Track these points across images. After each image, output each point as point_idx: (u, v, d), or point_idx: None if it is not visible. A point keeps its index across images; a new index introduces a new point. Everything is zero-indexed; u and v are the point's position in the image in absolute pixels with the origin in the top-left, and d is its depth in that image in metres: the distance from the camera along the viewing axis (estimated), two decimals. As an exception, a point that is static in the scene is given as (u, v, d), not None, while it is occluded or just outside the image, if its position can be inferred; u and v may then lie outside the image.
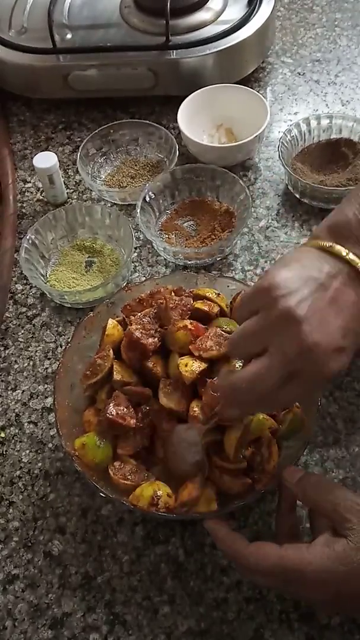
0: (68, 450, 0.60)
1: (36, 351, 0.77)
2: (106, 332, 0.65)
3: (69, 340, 0.68)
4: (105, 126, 0.93)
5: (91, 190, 0.92)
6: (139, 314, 0.65)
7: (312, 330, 0.47)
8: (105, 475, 0.60)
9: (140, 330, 0.63)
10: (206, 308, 0.66)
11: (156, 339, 0.63)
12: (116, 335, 0.65)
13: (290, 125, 0.90)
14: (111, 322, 0.66)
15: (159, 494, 0.57)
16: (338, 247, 0.51)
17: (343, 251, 0.51)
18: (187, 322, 0.63)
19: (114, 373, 0.62)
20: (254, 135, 0.87)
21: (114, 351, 0.64)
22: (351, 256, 0.51)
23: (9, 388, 0.74)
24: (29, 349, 0.77)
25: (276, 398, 0.51)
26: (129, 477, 0.59)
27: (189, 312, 0.65)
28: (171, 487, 0.59)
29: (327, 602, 0.50)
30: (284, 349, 0.48)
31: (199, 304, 0.66)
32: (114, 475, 0.59)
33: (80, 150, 0.90)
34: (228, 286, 0.71)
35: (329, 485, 0.53)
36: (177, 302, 0.65)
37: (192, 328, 0.63)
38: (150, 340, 0.62)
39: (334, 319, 0.49)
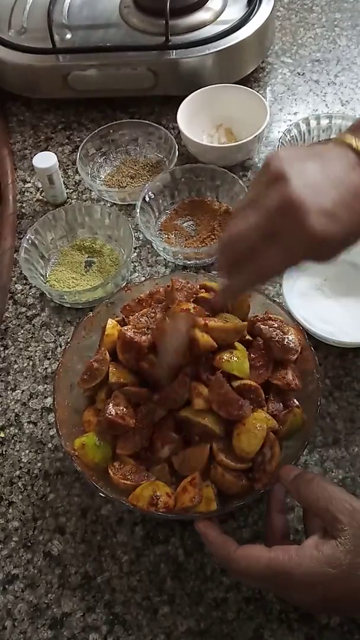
0: (68, 450, 0.60)
1: (36, 351, 0.77)
2: (106, 332, 0.65)
3: (69, 340, 0.68)
4: (105, 126, 0.93)
5: (91, 190, 0.92)
6: (137, 314, 0.65)
7: (299, 186, 0.44)
8: (104, 475, 0.59)
9: (133, 329, 0.63)
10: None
11: (149, 335, 0.63)
12: (116, 335, 0.65)
13: (290, 125, 0.90)
14: (110, 322, 0.66)
15: (158, 494, 0.57)
16: (348, 136, 0.49)
17: (352, 140, 0.48)
18: (191, 305, 0.63)
19: (110, 375, 0.62)
20: (254, 135, 0.87)
21: (112, 353, 0.64)
22: (352, 141, 0.48)
23: (9, 388, 0.74)
24: (29, 349, 0.77)
25: (260, 260, 0.47)
26: (128, 477, 0.59)
27: (194, 296, 0.65)
28: (173, 485, 0.59)
29: (316, 604, 0.50)
30: (266, 202, 0.45)
31: (204, 294, 0.66)
32: (114, 475, 0.59)
33: (79, 150, 0.90)
34: None
35: (323, 484, 0.52)
36: (183, 284, 0.65)
37: (195, 311, 0.62)
38: (144, 337, 0.62)
39: (329, 187, 0.45)
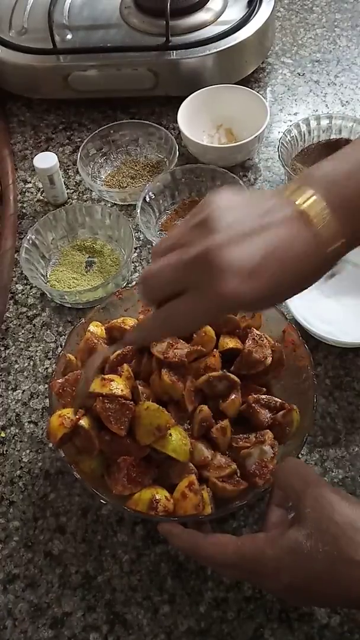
0: (67, 459, 0.59)
1: (36, 351, 0.77)
2: (88, 329, 0.67)
3: (63, 346, 0.68)
4: (106, 126, 0.93)
5: (91, 190, 0.92)
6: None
7: (222, 241, 0.42)
8: (104, 482, 0.59)
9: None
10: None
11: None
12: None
13: (290, 125, 0.90)
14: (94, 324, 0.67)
15: (157, 497, 0.57)
16: (291, 188, 0.46)
17: (293, 193, 0.45)
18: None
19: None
20: (254, 135, 0.87)
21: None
22: (298, 198, 0.45)
23: (10, 388, 0.74)
24: (30, 349, 0.77)
25: (166, 309, 0.46)
26: (127, 484, 0.59)
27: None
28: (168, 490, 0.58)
29: (284, 591, 0.50)
30: (187, 248, 0.44)
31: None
32: (111, 483, 0.58)
33: (80, 150, 0.91)
34: None
35: (296, 465, 0.53)
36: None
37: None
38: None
39: (255, 243, 0.43)
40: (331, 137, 0.90)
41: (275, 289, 0.44)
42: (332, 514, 0.48)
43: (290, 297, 0.47)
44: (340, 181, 0.45)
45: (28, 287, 0.83)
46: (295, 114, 0.99)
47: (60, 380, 0.62)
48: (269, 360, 0.64)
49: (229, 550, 0.50)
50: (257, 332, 0.65)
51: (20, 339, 0.78)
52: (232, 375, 0.62)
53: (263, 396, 0.63)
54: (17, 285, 0.83)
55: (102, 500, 0.58)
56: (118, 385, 0.58)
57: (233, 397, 0.61)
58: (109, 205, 0.89)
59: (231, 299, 0.43)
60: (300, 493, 0.50)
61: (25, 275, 0.80)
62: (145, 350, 0.63)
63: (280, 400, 0.63)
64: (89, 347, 0.64)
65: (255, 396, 0.62)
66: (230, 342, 0.65)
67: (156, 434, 0.57)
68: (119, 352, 0.63)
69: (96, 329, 0.67)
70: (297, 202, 0.45)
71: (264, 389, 0.64)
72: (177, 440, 0.58)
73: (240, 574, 0.53)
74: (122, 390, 0.58)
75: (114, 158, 0.95)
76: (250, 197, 0.47)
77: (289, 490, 0.51)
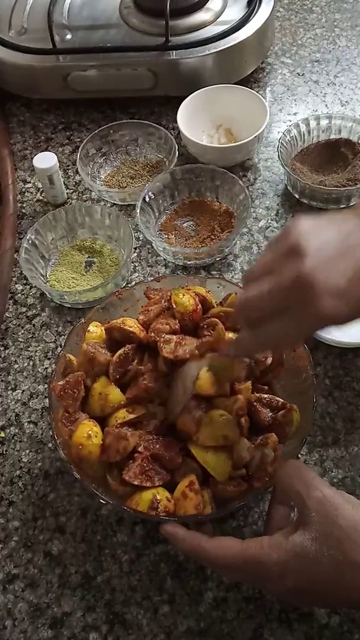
0: (66, 459, 0.59)
1: (36, 351, 0.77)
2: (88, 329, 0.67)
3: (62, 346, 0.68)
4: (105, 126, 0.93)
5: (91, 190, 0.92)
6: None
7: (314, 264, 0.46)
8: (104, 482, 0.59)
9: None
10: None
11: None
12: (98, 333, 0.67)
13: (290, 125, 0.90)
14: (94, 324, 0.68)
15: (158, 498, 0.57)
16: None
17: None
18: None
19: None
20: (254, 135, 0.87)
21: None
22: None
23: (9, 388, 0.74)
24: (29, 349, 0.77)
25: (266, 329, 0.49)
26: (139, 475, 0.59)
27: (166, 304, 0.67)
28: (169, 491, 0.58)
29: (287, 593, 0.50)
30: (282, 276, 0.47)
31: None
32: (113, 482, 0.59)
33: (80, 150, 0.91)
34: (218, 287, 0.71)
35: (300, 469, 0.53)
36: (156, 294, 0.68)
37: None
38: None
39: (343, 265, 0.46)
40: (331, 137, 0.90)
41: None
42: (336, 517, 0.48)
43: None
44: None
45: (28, 287, 0.83)
46: (295, 114, 0.99)
47: (61, 383, 0.62)
48: (269, 360, 0.64)
49: (232, 554, 0.50)
50: None
51: (19, 339, 0.78)
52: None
53: (265, 395, 0.63)
54: (16, 285, 0.83)
55: (101, 500, 0.58)
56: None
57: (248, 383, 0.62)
58: (109, 205, 0.89)
59: (329, 317, 0.46)
60: (304, 496, 0.50)
61: (25, 275, 0.80)
62: (147, 349, 0.63)
63: (281, 400, 0.63)
64: (88, 358, 0.64)
65: (257, 395, 0.62)
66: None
67: (221, 441, 0.58)
68: (121, 351, 0.63)
69: (96, 329, 0.67)
70: None
71: (266, 387, 0.64)
72: (223, 461, 0.58)
73: (242, 577, 0.53)
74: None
75: (113, 158, 0.95)
76: (329, 220, 0.49)
77: (292, 493, 0.52)
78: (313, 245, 0.46)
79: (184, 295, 0.65)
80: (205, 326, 0.65)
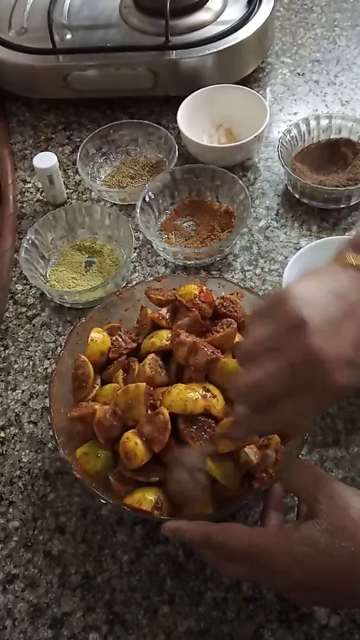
0: (66, 458, 0.59)
1: (36, 351, 0.77)
2: (90, 337, 0.67)
3: (63, 346, 0.68)
4: (105, 126, 0.93)
5: (91, 190, 0.92)
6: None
7: (321, 339, 0.44)
8: (105, 482, 0.59)
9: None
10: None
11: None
12: (100, 339, 0.67)
13: (290, 125, 0.90)
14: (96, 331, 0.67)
15: (161, 499, 0.57)
16: (348, 255, 0.50)
17: (352, 259, 0.49)
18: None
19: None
20: (254, 135, 0.87)
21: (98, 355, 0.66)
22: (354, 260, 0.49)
23: (9, 388, 0.74)
24: (29, 349, 0.77)
25: (280, 409, 0.47)
26: (129, 483, 0.59)
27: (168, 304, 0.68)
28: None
29: (294, 588, 0.49)
30: (290, 356, 0.45)
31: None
32: (114, 482, 0.59)
33: (80, 150, 0.90)
34: (218, 286, 0.71)
35: (306, 465, 0.52)
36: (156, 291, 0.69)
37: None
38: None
39: (348, 331, 0.45)
40: (331, 137, 0.90)
41: None
42: (347, 510, 0.48)
43: None
44: None
45: (28, 287, 0.83)
46: (295, 113, 0.99)
47: (76, 414, 0.62)
48: None
49: (240, 538, 0.49)
50: None
51: (19, 339, 0.78)
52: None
53: None
54: (16, 285, 0.83)
55: (102, 500, 0.58)
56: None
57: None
58: (109, 205, 0.89)
59: (343, 390, 0.45)
60: (313, 490, 0.49)
61: (25, 275, 0.80)
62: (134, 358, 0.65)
63: None
64: (80, 386, 0.65)
65: None
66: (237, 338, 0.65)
67: (238, 443, 0.57)
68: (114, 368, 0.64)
69: (97, 335, 0.67)
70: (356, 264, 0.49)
71: None
72: (229, 469, 0.58)
73: (248, 569, 0.51)
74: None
75: (113, 158, 0.95)
76: (320, 280, 0.48)
77: (300, 490, 0.51)
78: (315, 316, 0.45)
79: (184, 287, 0.66)
80: (219, 323, 0.65)
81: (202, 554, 0.55)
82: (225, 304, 0.66)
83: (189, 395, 0.58)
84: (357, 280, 0.48)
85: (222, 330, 0.64)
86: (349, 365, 0.45)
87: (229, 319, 0.64)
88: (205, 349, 0.60)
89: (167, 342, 0.63)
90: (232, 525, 0.51)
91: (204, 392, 0.59)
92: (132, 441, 0.57)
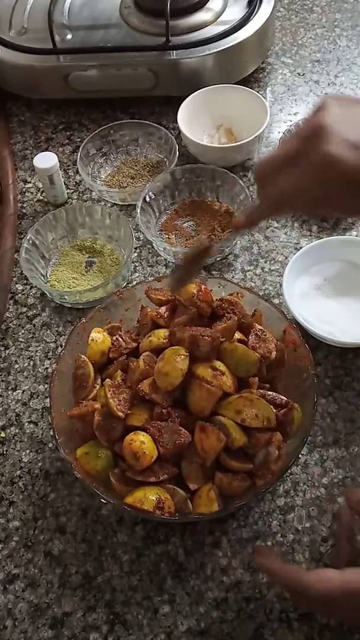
0: (66, 458, 0.60)
1: (36, 351, 0.77)
2: (90, 337, 0.67)
3: (63, 346, 0.68)
4: (106, 126, 0.93)
5: (91, 190, 0.92)
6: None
7: (333, 118, 0.47)
8: (105, 482, 0.59)
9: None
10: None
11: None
12: (101, 339, 0.67)
13: (290, 125, 0.90)
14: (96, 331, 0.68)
15: (163, 497, 0.57)
16: None
17: None
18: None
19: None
20: (254, 135, 0.87)
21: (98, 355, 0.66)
22: None
23: (9, 388, 0.74)
24: (29, 349, 0.77)
25: (275, 182, 0.50)
26: (130, 483, 0.59)
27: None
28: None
29: None
30: (301, 130, 0.49)
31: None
32: (115, 482, 0.59)
33: (80, 150, 0.91)
34: (218, 286, 0.71)
35: None
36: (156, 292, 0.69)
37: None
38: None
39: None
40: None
41: None
42: None
43: None
44: None
45: (28, 287, 0.83)
46: (295, 113, 0.99)
47: (75, 412, 0.62)
48: (274, 354, 0.64)
49: (334, 586, 0.48)
50: (260, 327, 0.65)
51: (20, 339, 0.78)
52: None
53: (270, 392, 0.63)
54: (17, 285, 0.83)
55: (102, 500, 0.58)
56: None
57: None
58: (109, 205, 0.89)
59: (337, 163, 0.46)
60: None
61: (25, 275, 0.80)
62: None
63: (285, 398, 0.63)
64: (80, 386, 0.65)
65: (261, 391, 0.62)
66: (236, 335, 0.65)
67: (265, 424, 0.58)
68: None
69: (98, 335, 0.67)
70: None
71: (267, 384, 0.64)
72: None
73: (341, 611, 0.50)
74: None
75: (114, 158, 0.95)
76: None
77: None
78: (337, 107, 0.48)
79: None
80: (218, 322, 0.65)
81: (289, 592, 0.54)
82: (224, 305, 0.66)
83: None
84: None
85: (223, 324, 0.64)
86: (349, 145, 0.46)
87: (230, 314, 0.65)
88: (206, 337, 0.61)
89: (164, 341, 0.63)
90: (325, 572, 0.50)
91: (212, 372, 0.60)
92: (138, 441, 0.57)
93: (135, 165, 0.93)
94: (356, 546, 0.57)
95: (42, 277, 0.81)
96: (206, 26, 0.97)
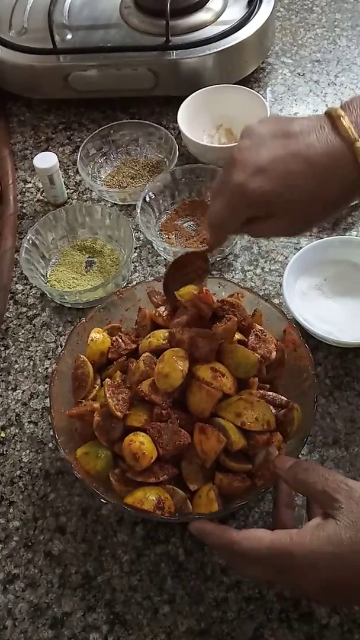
0: (66, 458, 0.60)
1: (36, 351, 0.77)
2: (90, 337, 0.67)
3: (63, 346, 0.68)
4: (106, 126, 0.93)
5: (91, 190, 0.92)
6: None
7: (245, 145, 0.52)
8: (106, 482, 0.59)
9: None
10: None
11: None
12: (100, 339, 0.67)
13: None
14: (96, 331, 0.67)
15: (163, 497, 0.57)
16: (331, 108, 0.51)
17: (341, 112, 0.50)
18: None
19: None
20: (254, 135, 0.87)
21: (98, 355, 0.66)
22: (337, 110, 0.50)
23: (9, 388, 0.74)
24: (29, 349, 0.77)
25: (210, 209, 0.55)
26: (130, 483, 0.59)
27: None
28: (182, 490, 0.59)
29: (319, 591, 0.49)
30: (222, 173, 0.54)
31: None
32: (115, 483, 0.59)
33: (80, 150, 0.91)
34: (218, 286, 0.71)
35: (318, 468, 0.52)
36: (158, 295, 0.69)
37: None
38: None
39: (271, 147, 0.51)
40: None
41: (283, 186, 0.51)
42: None
43: (315, 208, 0.53)
44: None
45: (28, 287, 0.83)
46: (295, 114, 0.99)
47: (74, 412, 0.62)
48: (274, 354, 0.64)
49: (263, 544, 0.49)
50: (260, 328, 0.65)
51: (20, 339, 0.78)
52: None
53: (270, 393, 0.63)
54: (17, 285, 0.83)
55: (102, 500, 0.58)
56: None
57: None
58: (109, 205, 0.89)
59: (242, 190, 0.51)
60: (329, 491, 0.49)
61: (25, 275, 0.80)
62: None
63: (285, 398, 0.63)
64: (79, 386, 0.65)
65: (262, 392, 0.62)
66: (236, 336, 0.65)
67: (265, 427, 0.58)
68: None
69: (97, 335, 0.67)
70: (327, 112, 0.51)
71: (267, 385, 0.65)
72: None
73: (272, 572, 0.50)
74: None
75: (114, 158, 0.95)
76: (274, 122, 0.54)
77: (313, 492, 0.51)
78: (254, 131, 0.52)
79: (184, 287, 0.66)
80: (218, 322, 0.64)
81: (224, 557, 0.54)
82: (225, 307, 0.66)
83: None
84: (313, 119, 0.52)
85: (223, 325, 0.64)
86: (257, 171, 0.51)
87: (229, 315, 0.64)
88: (206, 338, 0.60)
89: (163, 342, 0.63)
90: (254, 531, 0.51)
91: (212, 373, 0.59)
92: (137, 442, 0.57)
93: (135, 165, 0.93)
94: (298, 513, 0.57)
95: (42, 277, 0.81)
96: (206, 26, 0.97)
